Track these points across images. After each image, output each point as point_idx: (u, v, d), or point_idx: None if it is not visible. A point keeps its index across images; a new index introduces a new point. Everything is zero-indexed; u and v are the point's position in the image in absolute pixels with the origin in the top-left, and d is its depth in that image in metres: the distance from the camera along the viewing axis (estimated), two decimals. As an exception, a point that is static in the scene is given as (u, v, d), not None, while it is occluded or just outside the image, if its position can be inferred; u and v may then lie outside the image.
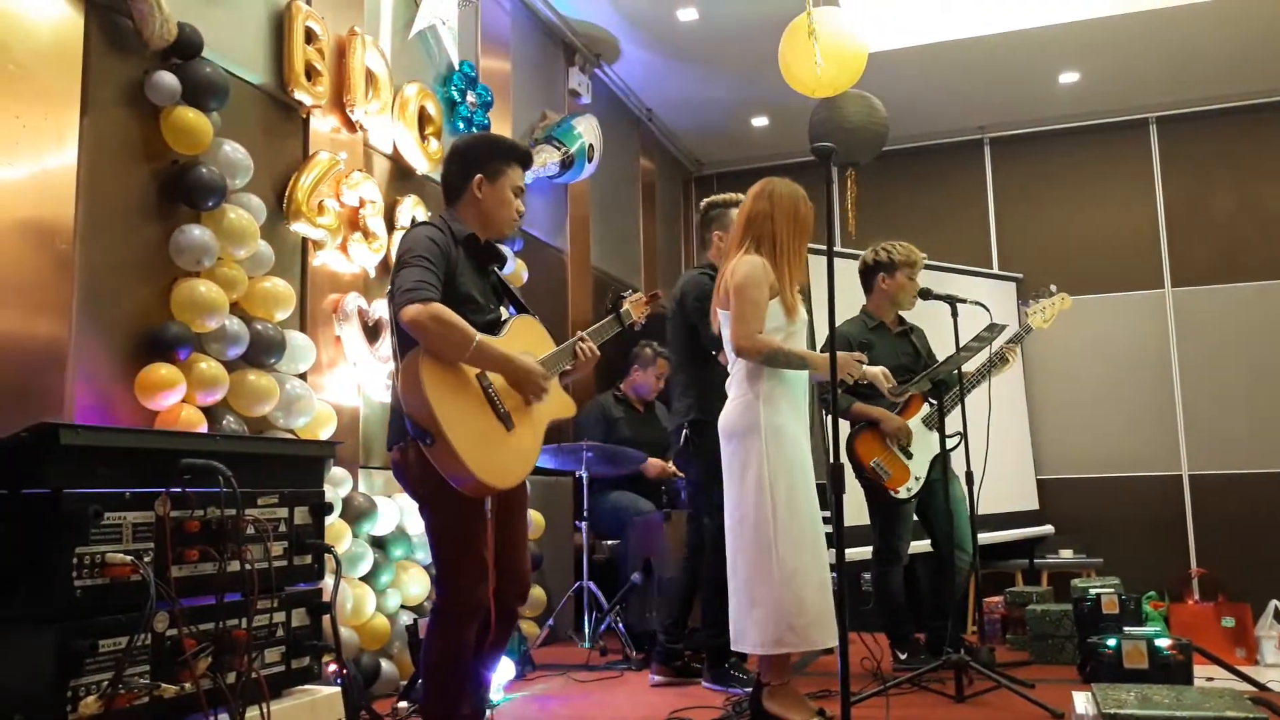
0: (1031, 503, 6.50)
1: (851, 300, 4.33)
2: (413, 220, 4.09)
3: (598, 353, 2.85)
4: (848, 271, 4.42)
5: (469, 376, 2.52)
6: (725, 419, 3.17)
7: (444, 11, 4.51)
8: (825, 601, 3.00)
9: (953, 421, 3.90)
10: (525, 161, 2.80)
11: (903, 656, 4.10)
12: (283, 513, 2.39)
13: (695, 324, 3.82)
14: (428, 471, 2.45)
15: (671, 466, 5.04)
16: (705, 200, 4.10)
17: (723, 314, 3.20)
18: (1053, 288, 4.36)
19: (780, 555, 2.98)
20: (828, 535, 2.88)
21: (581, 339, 2.84)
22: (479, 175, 2.69)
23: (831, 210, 2.85)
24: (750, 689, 3.22)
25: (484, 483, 2.44)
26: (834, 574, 2.75)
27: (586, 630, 4.63)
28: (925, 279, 4.27)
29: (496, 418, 2.54)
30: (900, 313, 4.35)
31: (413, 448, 2.48)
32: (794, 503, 3.02)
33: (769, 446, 3.04)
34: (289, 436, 3.32)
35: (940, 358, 4.26)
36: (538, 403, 2.65)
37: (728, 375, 3.23)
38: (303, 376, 3.46)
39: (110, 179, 2.89)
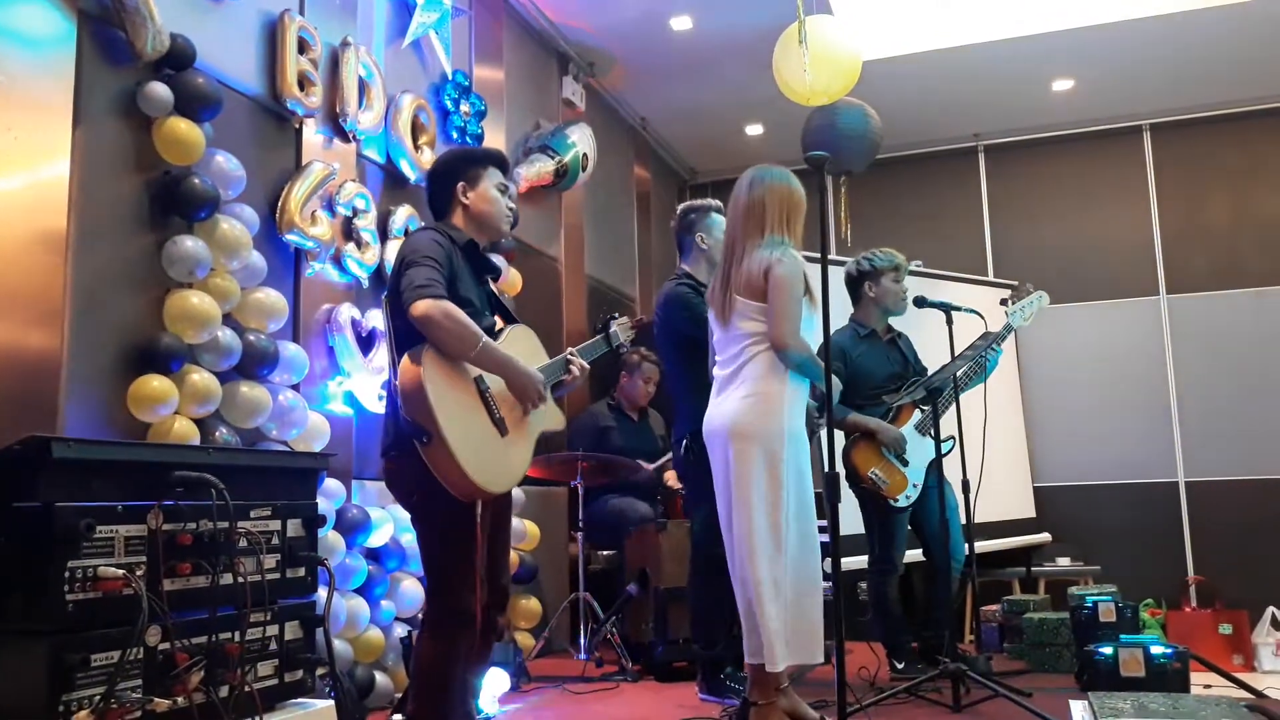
0: (1028, 510, 6.48)
1: (844, 307, 4.33)
2: (421, 228, 4.08)
3: (587, 368, 2.93)
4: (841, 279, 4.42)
5: (468, 379, 2.54)
6: (740, 418, 2.98)
7: (437, 20, 4.51)
8: (818, 617, 3.01)
9: (946, 426, 3.90)
10: (500, 164, 2.85)
11: (899, 666, 4.08)
12: (276, 525, 2.38)
13: (694, 337, 3.65)
14: (421, 479, 2.46)
15: (670, 476, 5.00)
16: (683, 205, 4.01)
17: (744, 302, 3.05)
18: (1029, 286, 4.36)
19: (785, 567, 2.96)
20: (824, 545, 2.88)
21: (571, 355, 2.90)
22: (460, 183, 2.76)
23: (826, 219, 2.86)
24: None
25: (476, 484, 2.45)
26: (829, 583, 2.74)
27: (582, 642, 4.61)
28: (920, 286, 4.26)
29: (491, 422, 2.56)
30: (891, 320, 4.33)
31: (406, 456, 2.48)
32: (802, 513, 3.01)
33: (787, 453, 2.97)
34: (282, 448, 3.31)
35: (928, 364, 4.25)
36: (532, 411, 2.68)
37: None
38: (296, 388, 3.45)
39: (103, 190, 2.88)
